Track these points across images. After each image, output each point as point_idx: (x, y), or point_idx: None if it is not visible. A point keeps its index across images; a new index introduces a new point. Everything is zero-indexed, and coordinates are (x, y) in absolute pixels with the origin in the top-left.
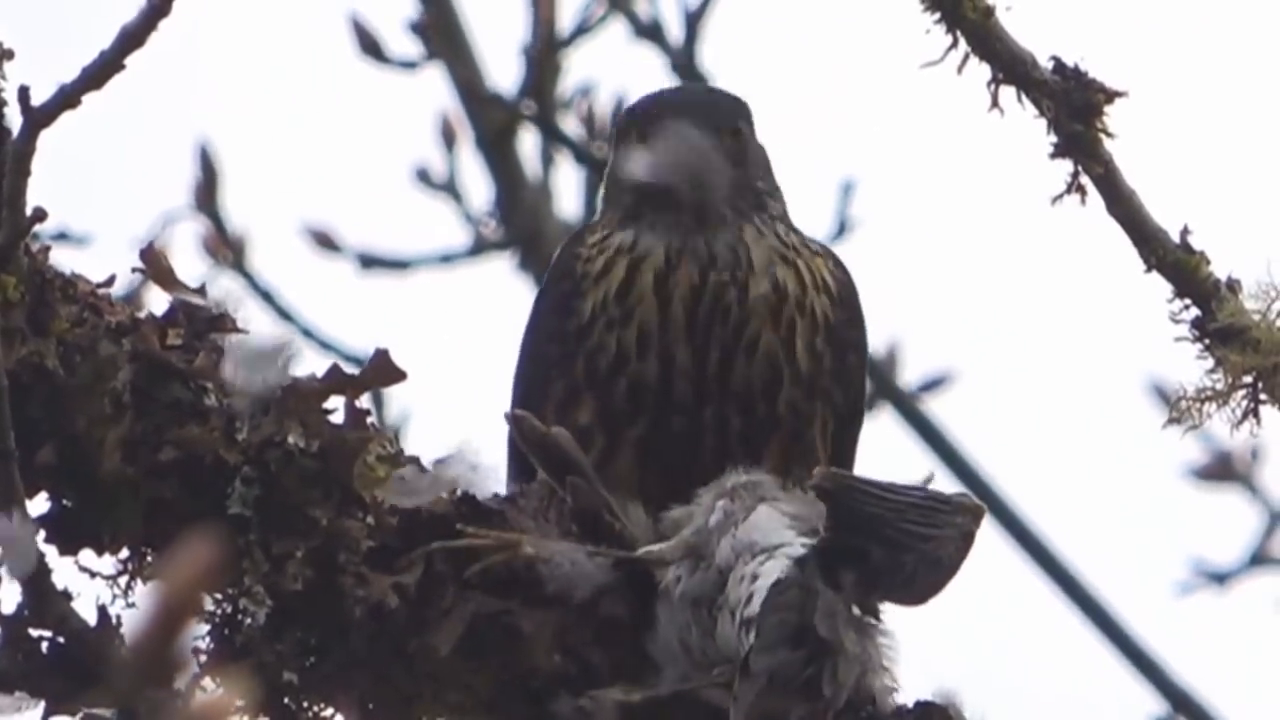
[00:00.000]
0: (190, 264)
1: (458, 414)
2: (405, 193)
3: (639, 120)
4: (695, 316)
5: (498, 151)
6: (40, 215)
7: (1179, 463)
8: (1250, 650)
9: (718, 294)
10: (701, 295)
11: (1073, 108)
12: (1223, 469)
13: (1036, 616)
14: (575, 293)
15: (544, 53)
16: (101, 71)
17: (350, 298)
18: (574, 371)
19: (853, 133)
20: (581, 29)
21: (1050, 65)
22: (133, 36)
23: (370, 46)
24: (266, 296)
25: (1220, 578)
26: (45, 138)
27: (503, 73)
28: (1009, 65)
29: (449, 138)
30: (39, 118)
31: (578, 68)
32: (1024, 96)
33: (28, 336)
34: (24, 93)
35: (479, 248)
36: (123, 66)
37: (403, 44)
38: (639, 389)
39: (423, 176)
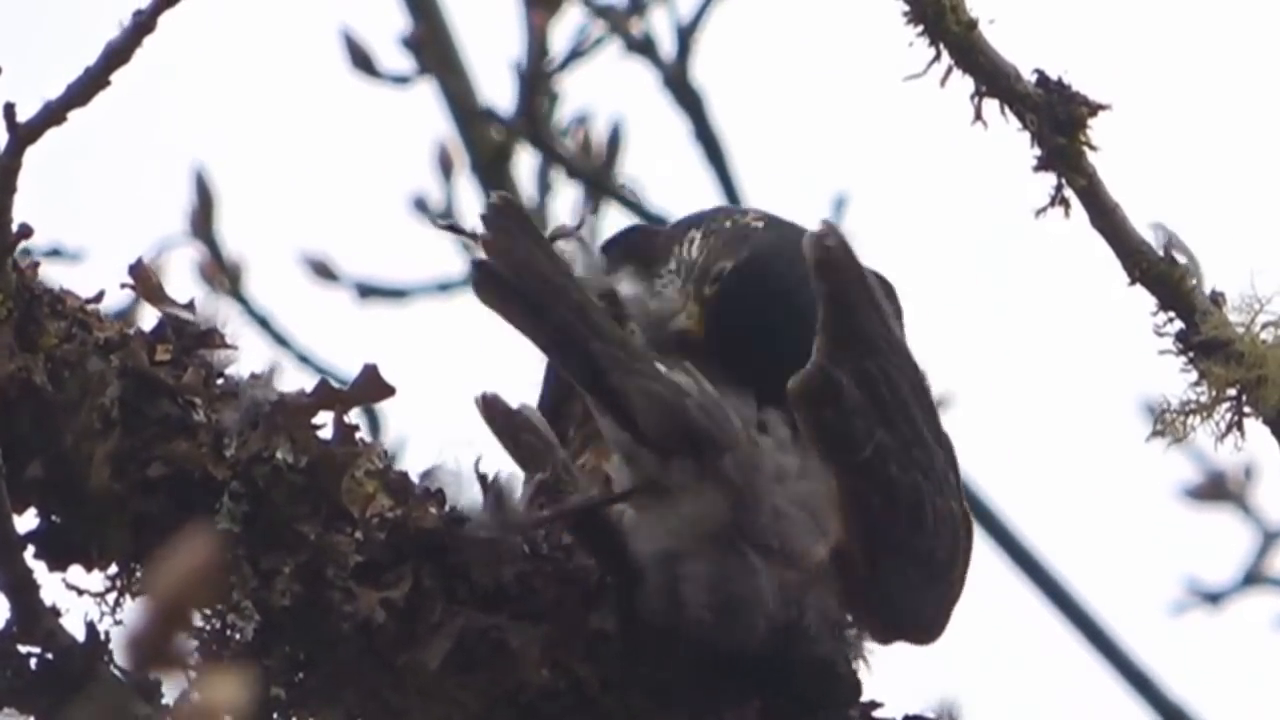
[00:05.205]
0: (186, 291)
1: (456, 442)
2: (402, 221)
3: None
4: None
5: (493, 175)
6: (26, 232)
7: (1172, 482)
8: (1245, 668)
9: None
10: None
11: (1056, 121)
12: (1216, 489)
13: (1030, 632)
14: None
15: (538, 76)
16: (87, 88)
17: (349, 326)
18: None
19: (846, 146)
20: (576, 52)
21: (1034, 78)
22: (118, 53)
23: (362, 61)
24: (263, 322)
25: (1214, 597)
26: (31, 155)
27: (498, 94)
28: (992, 78)
29: (446, 167)
30: (24, 134)
31: (572, 88)
32: (1007, 109)
33: (15, 352)
34: (9, 109)
35: None
36: (109, 83)
37: (395, 59)
38: None
39: (420, 206)
